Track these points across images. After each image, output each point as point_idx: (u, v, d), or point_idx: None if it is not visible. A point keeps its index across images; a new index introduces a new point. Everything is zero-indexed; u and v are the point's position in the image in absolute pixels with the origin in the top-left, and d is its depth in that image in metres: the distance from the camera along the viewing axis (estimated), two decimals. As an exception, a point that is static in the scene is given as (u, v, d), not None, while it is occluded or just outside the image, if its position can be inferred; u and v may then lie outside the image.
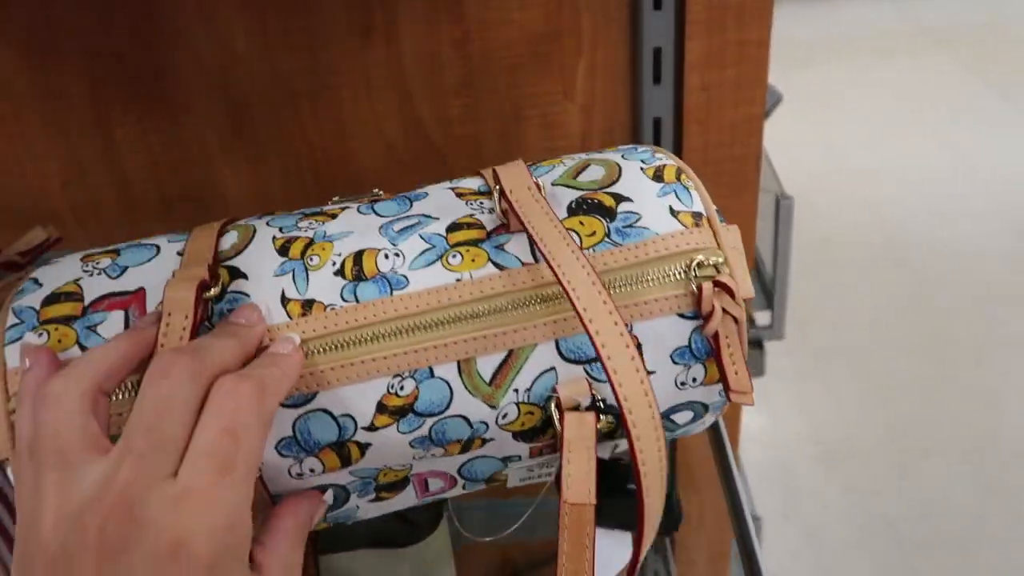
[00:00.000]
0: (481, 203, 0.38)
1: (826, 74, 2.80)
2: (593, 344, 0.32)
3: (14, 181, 0.59)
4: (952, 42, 2.91)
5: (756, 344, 0.78)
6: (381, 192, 0.40)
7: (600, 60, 0.58)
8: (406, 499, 0.39)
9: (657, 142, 0.60)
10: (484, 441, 0.36)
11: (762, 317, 0.77)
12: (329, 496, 0.37)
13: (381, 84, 0.58)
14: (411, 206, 0.38)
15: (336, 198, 0.40)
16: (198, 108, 0.58)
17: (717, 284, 0.34)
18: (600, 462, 0.34)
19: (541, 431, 0.36)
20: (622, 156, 0.40)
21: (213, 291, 0.34)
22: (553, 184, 0.38)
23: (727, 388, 0.34)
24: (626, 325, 0.33)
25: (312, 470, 0.35)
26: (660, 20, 0.55)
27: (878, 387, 1.71)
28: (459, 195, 0.38)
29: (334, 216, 0.38)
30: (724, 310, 0.34)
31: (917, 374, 1.73)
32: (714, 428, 0.42)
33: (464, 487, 0.40)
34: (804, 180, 2.27)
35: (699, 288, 0.34)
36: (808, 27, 3.04)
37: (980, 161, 2.33)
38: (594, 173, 0.38)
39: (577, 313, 0.32)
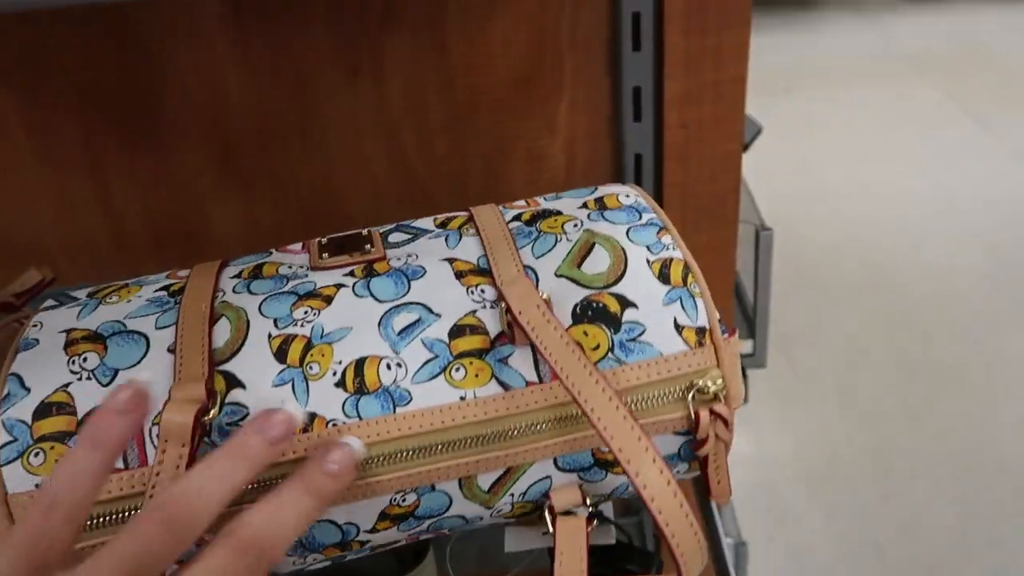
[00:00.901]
0: (482, 292, 0.37)
1: (806, 101, 2.84)
2: (619, 460, 0.32)
3: (5, 217, 0.59)
4: (930, 68, 2.96)
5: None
6: (371, 235, 0.41)
7: (582, 98, 0.59)
8: (390, 538, 0.40)
9: (638, 177, 0.61)
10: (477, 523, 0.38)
11: (744, 346, 0.79)
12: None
13: (368, 123, 0.59)
14: (409, 288, 0.37)
15: (323, 241, 0.41)
16: (188, 146, 0.59)
17: (714, 413, 0.35)
18: (605, 547, 0.36)
19: (533, 513, 0.38)
20: (627, 234, 0.39)
21: (212, 413, 0.33)
22: (557, 275, 0.37)
23: (708, 494, 0.36)
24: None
25: (315, 559, 0.37)
26: (639, 61, 0.56)
27: (862, 410, 1.72)
28: (458, 274, 0.38)
29: (329, 300, 0.37)
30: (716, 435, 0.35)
31: (900, 396, 1.75)
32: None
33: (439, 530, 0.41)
34: (785, 205, 2.30)
35: (696, 415, 0.35)
36: (788, 54, 3.09)
37: (958, 185, 2.37)
38: (599, 263, 0.38)
39: (602, 436, 0.32)
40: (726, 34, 0.56)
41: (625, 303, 0.36)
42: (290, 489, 0.31)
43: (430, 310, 0.36)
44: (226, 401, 0.34)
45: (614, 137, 0.60)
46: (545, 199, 0.43)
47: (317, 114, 0.58)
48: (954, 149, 2.54)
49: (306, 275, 0.38)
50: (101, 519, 0.33)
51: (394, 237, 0.41)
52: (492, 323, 0.36)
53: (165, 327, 0.36)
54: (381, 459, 0.34)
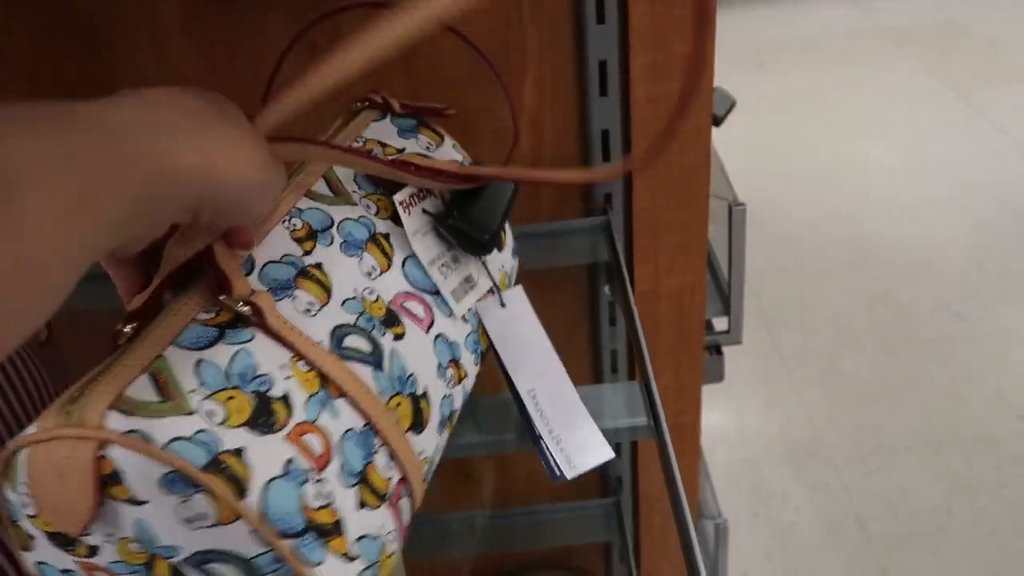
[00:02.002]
0: None
1: (787, 76, 2.83)
2: None
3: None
4: (911, 43, 2.96)
5: (715, 349, 0.79)
6: None
7: (547, 74, 0.58)
8: None
9: (606, 153, 0.60)
10: None
11: (720, 323, 0.78)
12: None
13: (328, 102, 0.57)
14: None
15: None
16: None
17: None
18: None
19: None
20: None
21: None
22: None
23: None
24: None
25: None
26: (604, 34, 0.55)
27: (845, 386, 1.73)
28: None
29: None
30: None
31: (883, 372, 1.75)
32: (660, 439, 0.42)
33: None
34: (766, 182, 2.29)
35: None
36: (769, 29, 3.08)
37: (939, 159, 2.37)
38: None
39: None
40: (692, 5, 0.55)
41: None
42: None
43: None
44: None
45: (581, 112, 0.59)
46: None
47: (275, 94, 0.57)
48: (935, 124, 2.54)
49: None
50: None
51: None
52: None
53: None
54: None
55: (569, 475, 0.42)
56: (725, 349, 0.78)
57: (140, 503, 0.31)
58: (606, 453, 0.44)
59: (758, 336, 1.83)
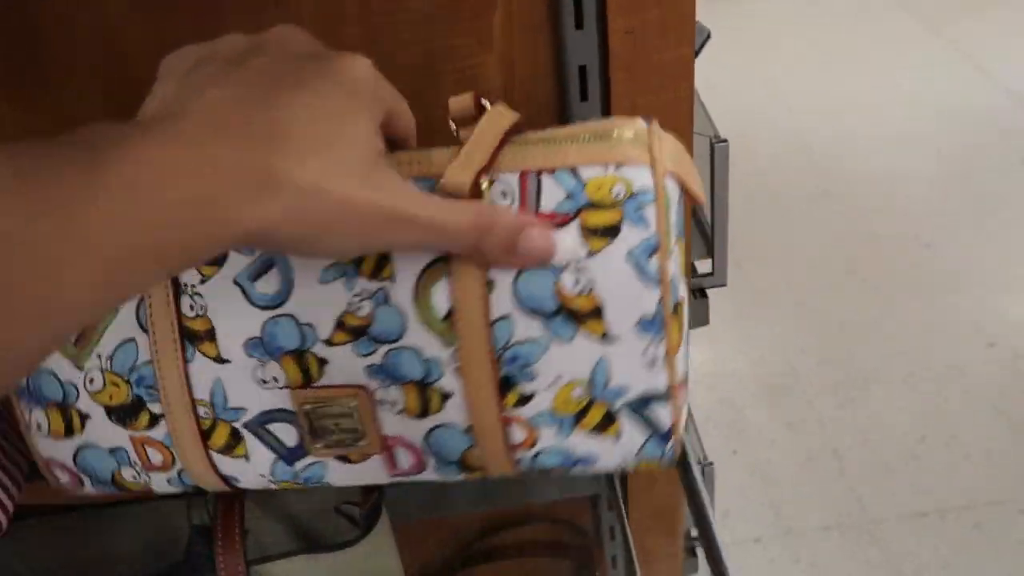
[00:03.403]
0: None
1: (757, 10, 2.79)
2: None
3: None
4: (875, -29, 2.92)
5: (699, 292, 0.76)
6: None
7: (516, 7, 0.54)
8: (376, 473, 0.38)
9: (584, 90, 0.56)
10: (444, 397, 0.36)
11: (703, 265, 0.75)
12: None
13: (280, 45, 0.53)
14: None
15: None
16: (75, 85, 0.52)
17: None
18: None
19: None
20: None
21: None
22: None
23: None
24: None
25: (273, 376, 0.36)
26: (578, -40, 0.51)
27: (818, 321, 1.73)
28: None
29: None
30: None
31: (854, 305, 1.75)
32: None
33: (436, 468, 0.38)
34: (737, 117, 2.27)
35: None
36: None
37: (909, 91, 2.35)
38: None
39: None
40: (671, -74, 0.51)
41: None
42: (457, 217, 0.31)
43: None
44: None
45: (555, 47, 0.55)
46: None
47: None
48: (906, 56, 2.52)
49: None
50: None
51: None
52: None
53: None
54: None
55: None
56: (709, 292, 0.76)
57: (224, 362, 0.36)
58: None
59: (730, 273, 1.82)
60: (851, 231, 1.91)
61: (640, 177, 0.35)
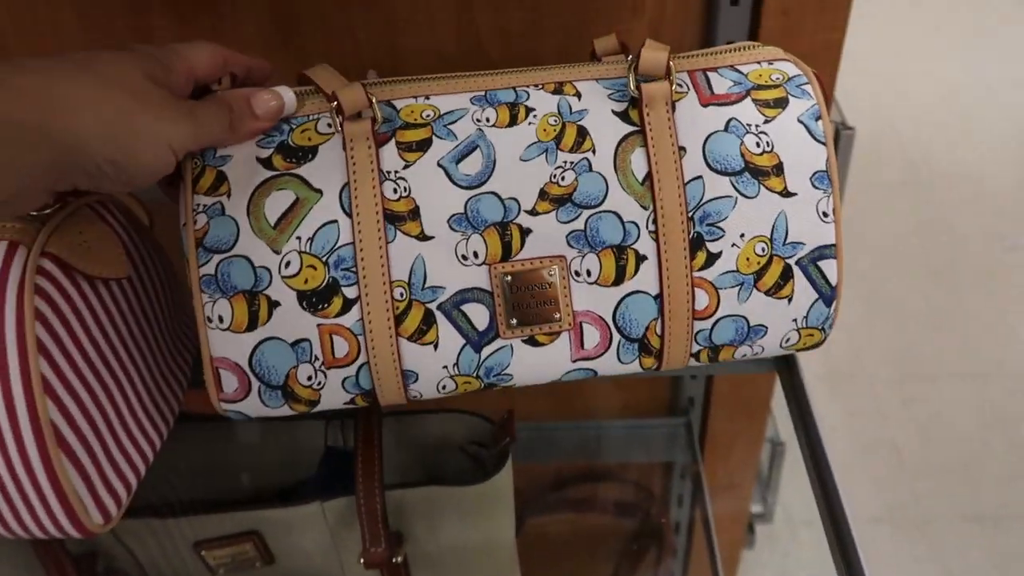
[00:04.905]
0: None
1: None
2: None
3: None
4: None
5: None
6: None
7: (675, -25, 0.54)
8: (559, 359, 0.40)
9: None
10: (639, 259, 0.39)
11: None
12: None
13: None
14: None
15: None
16: (242, 4, 0.54)
17: None
18: None
19: None
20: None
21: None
22: None
23: None
24: None
25: (476, 250, 0.38)
26: (746, -66, 0.51)
27: (887, 311, 1.71)
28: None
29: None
30: None
31: (927, 298, 1.72)
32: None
33: (619, 349, 0.40)
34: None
35: None
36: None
37: (1005, 80, 2.27)
38: None
39: None
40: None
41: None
42: (213, 112, 0.36)
43: None
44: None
45: (706, 20, 0.55)
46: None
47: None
48: (1001, 43, 2.42)
49: None
50: None
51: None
52: None
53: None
54: None
55: None
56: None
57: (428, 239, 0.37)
58: None
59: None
60: (932, 223, 1.86)
61: (790, 69, 0.42)
